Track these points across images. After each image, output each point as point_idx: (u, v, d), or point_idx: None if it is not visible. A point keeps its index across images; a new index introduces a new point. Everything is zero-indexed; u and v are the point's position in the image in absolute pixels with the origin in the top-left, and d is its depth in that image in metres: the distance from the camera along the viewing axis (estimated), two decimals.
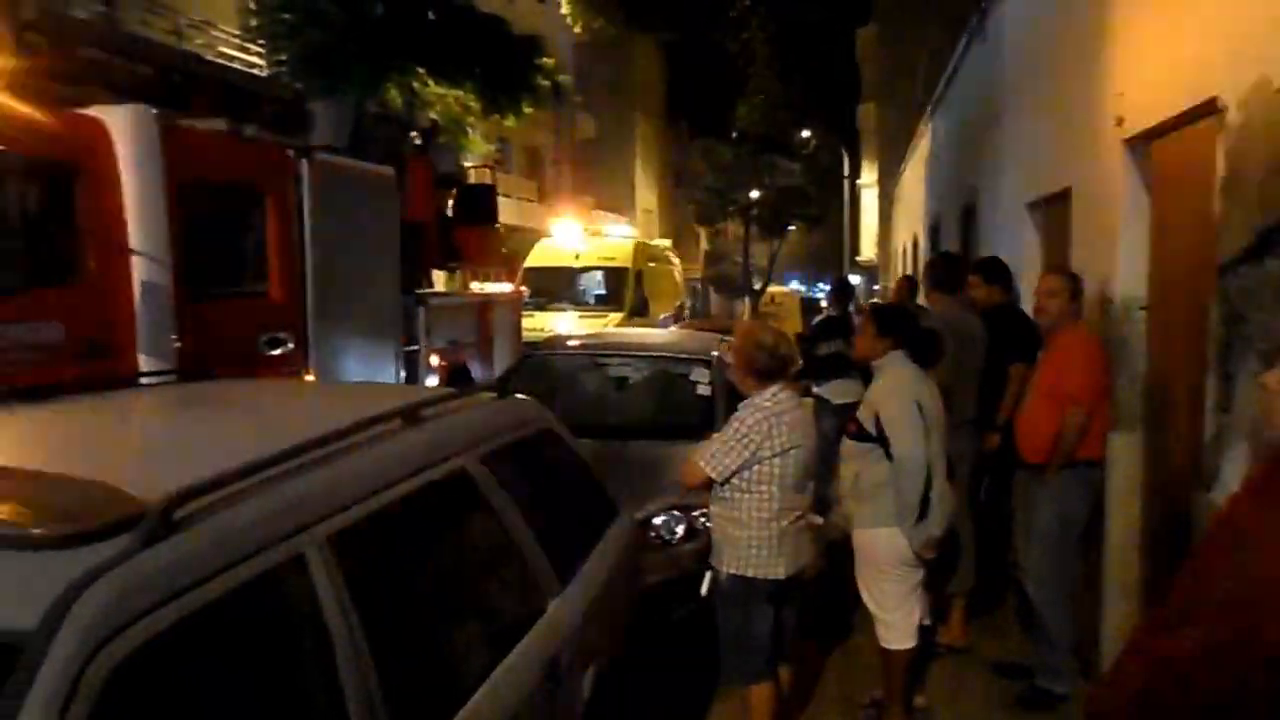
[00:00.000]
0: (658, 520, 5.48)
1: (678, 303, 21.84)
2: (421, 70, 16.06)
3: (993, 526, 5.96)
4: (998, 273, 6.22)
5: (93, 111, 6.04)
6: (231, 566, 1.86)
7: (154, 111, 6.19)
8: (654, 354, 7.70)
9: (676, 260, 24.27)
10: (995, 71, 9.37)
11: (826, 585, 5.86)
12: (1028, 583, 5.03)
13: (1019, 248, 7.37)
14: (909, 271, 16.96)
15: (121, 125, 6.05)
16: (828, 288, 14.07)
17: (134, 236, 6.08)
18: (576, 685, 3.20)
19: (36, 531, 1.67)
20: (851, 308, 10.08)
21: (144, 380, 4.09)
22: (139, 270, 6.10)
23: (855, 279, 28.58)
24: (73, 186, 5.80)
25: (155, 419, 3.24)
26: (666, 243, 28.41)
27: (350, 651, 2.07)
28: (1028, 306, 5.61)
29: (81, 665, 1.46)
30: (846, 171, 39.83)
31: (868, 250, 36.38)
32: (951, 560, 5.52)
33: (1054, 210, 6.60)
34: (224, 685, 1.82)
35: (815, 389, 8.47)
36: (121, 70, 6.68)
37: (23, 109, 5.48)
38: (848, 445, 4.61)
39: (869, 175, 36.33)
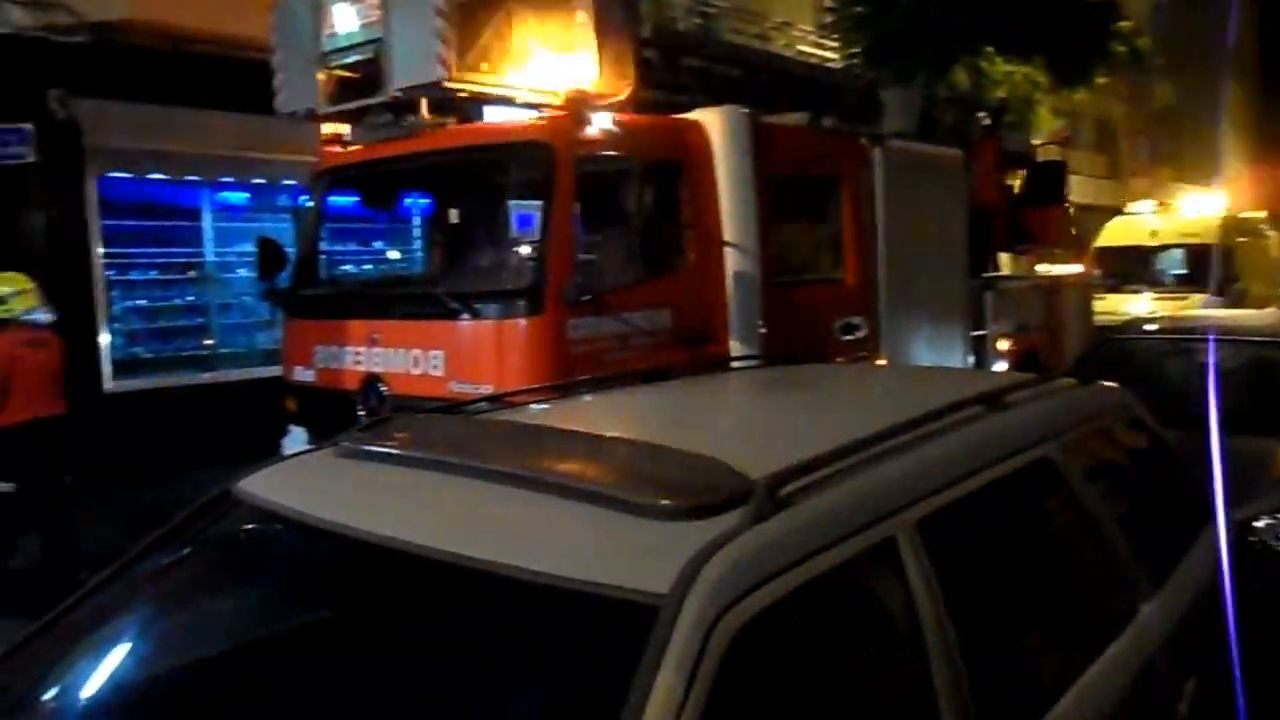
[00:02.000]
0: (1260, 524, 4.83)
1: None
2: (990, 48, 15.51)
3: None
4: None
5: (694, 115, 6.58)
6: (831, 546, 1.90)
7: (745, 111, 6.60)
8: (1251, 338, 6.81)
9: (1275, 234, 21.29)
10: None
11: None
12: None
13: None
14: None
15: (718, 126, 6.53)
16: None
17: (727, 229, 6.53)
18: (1174, 698, 2.91)
19: (665, 503, 1.83)
20: None
21: (735, 365, 4.39)
22: (731, 261, 6.54)
23: None
24: (678, 185, 6.37)
25: (751, 401, 3.44)
26: (1261, 214, 24.94)
27: (940, 641, 2.04)
28: None
29: (708, 630, 1.57)
30: None
31: None
32: None
33: None
34: (823, 661, 1.87)
35: None
36: (717, 75, 7.20)
37: (640, 118, 6.11)
38: None
39: None
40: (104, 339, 10.82)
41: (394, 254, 12.58)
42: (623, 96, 6.27)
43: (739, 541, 1.74)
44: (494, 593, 1.78)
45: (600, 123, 5.90)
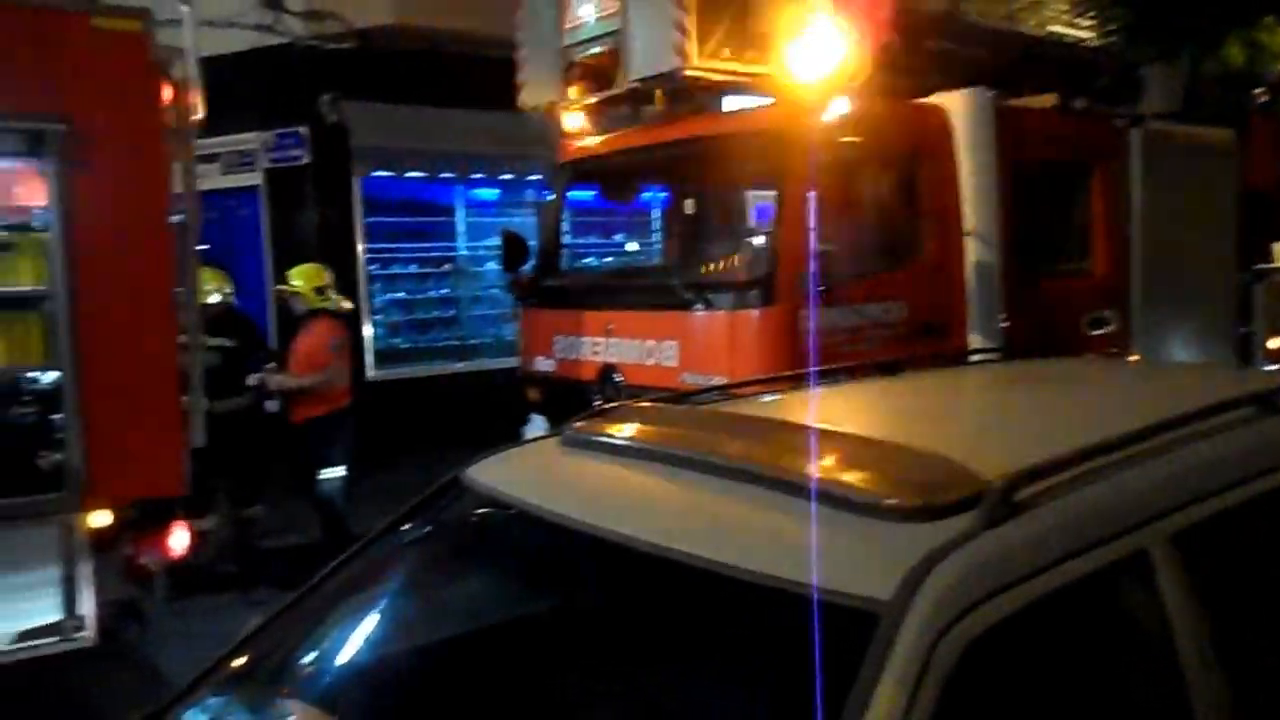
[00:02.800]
0: None
1: None
2: (1270, 18, 14.15)
3: None
4: None
5: (935, 99, 6.31)
6: (1073, 557, 1.72)
7: (990, 94, 6.27)
8: None
9: None
10: None
11: None
12: None
13: None
14: None
15: (960, 110, 6.23)
16: None
17: (968, 217, 6.23)
18: None
19: (890, 502, 1.71)
20: None
21: (973, 359, 4.16)
22: (972, 250, 6.24)
23: None
24: (918, 173, 6.12)
25: (988, 397, 3.24)
26: None
27: (1202, 675, 1.81)
28: None
29: (933, 642, 1.45)
30: None
31: None
32: None
33: None
34: (1061, 686, 1.70)
35: None
36: (960, 57, 6.89)
37: (878, 104, 5.91)
38: None
39: None
40: (367, 330, 11.51)
41: (632, 245, 12.79)
42: (861, 82, 6.08)
43: (970, 547, 1.60)
44: (708, 590, 1.71)
45: (837, 109, 5.74)
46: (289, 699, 2.25)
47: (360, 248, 11.54)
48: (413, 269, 12.28)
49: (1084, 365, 4.36)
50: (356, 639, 2.37)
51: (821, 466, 1.89)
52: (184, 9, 5.16)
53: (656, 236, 11.36)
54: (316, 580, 2.45)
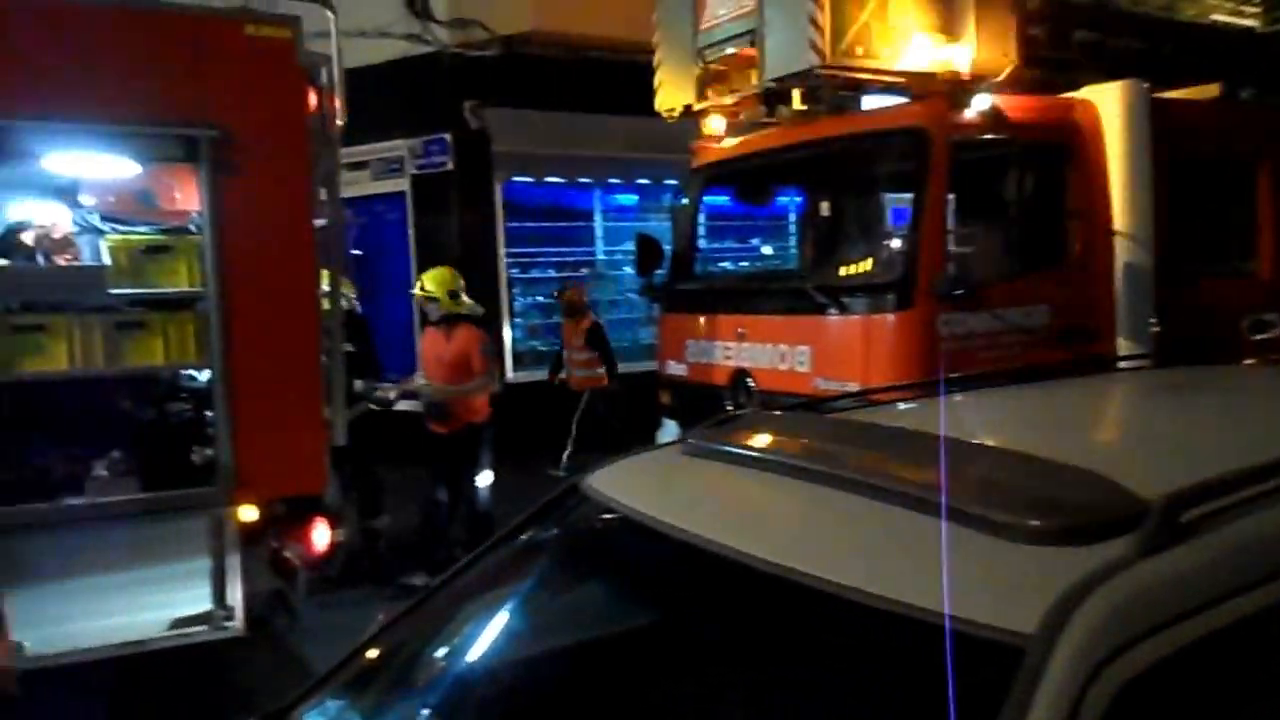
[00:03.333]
0: None
1: None
2: None
3: None
4: None
5: (1084, 93, 5.97)
6: (1248, 589, 1.51)
7: (1144, 86, 5.91)
8: None
9: None
10: None
11: None
12: None
13: None
14: None
15: (1112, 103, 5.89)
16: None
17: (1118, 216, 5.88)
18: None
19: (1036, 523, 1.55)
20: None
21: (1122, 365, 3.89)
22: (1121, 251, 5.89)
23: None
24: (1064, 170, 5.82)
25: (1140, 407, 2.99)
26: None
27: None
28: None
29: (1084, 682, 1.28)
30: None
31: None
32: None
33: None
34: None
35: None
36: (1112, 49, 6.52)
37: (1022, 99, 5.63)
38: None
39: None
40: (506, 333, 11.62)
41: (767, 248, 12.60)
42: (1004, 76, 5.80)
43: (1127, 575, 1.41)
44: (831, 614, 1.58)
45: (979, 105, 5.49)
46: (401, 704, 2.22)
47: (501, 252, 11.67)
48: (551, 273, 12.34)
49: (1247, 373, 4.02)
50: (470, 646, 2.32)
51: (959, 483, 1.73)
52: (330, 16, 5.25)
53: (791, 240, 11.16)
54: (437, 585, 2.42)
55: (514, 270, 12.00)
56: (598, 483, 2.28)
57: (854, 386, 5.26)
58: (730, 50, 6.39)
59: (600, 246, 12.67)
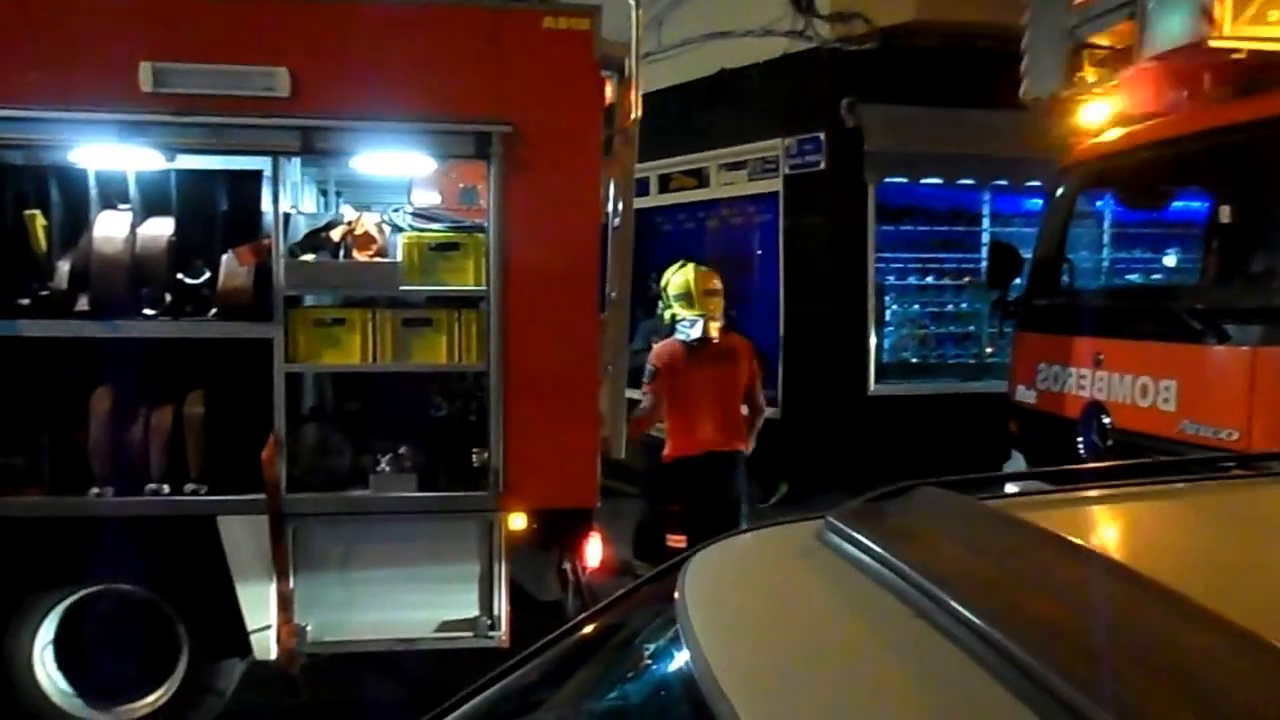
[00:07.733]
0: None
1: None
2: None
3: None
4: None
5: None
6: None
7: None
8: None
9: None
10: None
11: None
12: None
13: None
14: None
15: None
16: None
17: None
18: None
19: None
20: None
21: None
22: None
23: None
24: None
25: None
26: None
27: None
28: None
29: None
30: None
31: None
32: None
33: None
34: None
35: None
36: None
37: None
38: None
39: None
40: (871, 342, 10.82)
41: (1157, 260, 10.71)
42: None
43: None
44: None
45: None
46: None
47: (871, 257, 10.88)
48: (928, 280, 11.36)
49: None
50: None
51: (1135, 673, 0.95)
52: (630, 2, 4.89)
53: (1175, 249, 9.43)
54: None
55: (888, 277, 11.16)
56: (705, 561, 1.70)
57: (1233, 435, 4.11)
58: (1106, 26, 5.29)
59: (985, 254, 11.45)
